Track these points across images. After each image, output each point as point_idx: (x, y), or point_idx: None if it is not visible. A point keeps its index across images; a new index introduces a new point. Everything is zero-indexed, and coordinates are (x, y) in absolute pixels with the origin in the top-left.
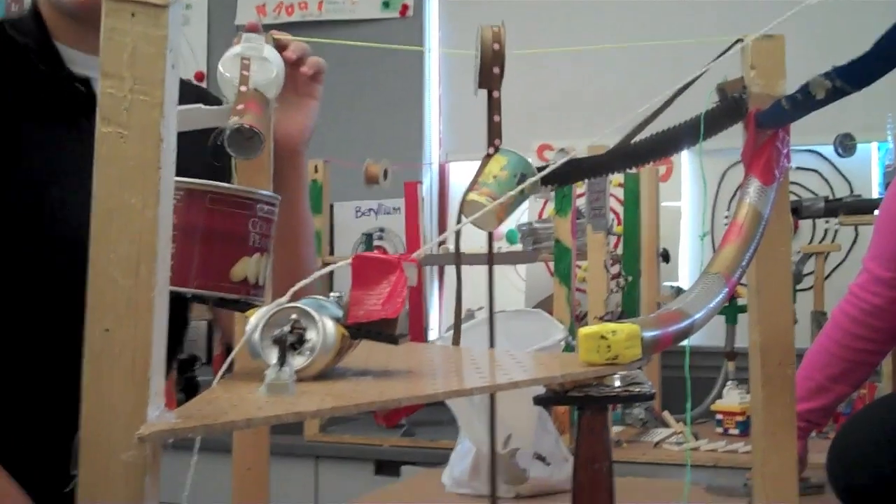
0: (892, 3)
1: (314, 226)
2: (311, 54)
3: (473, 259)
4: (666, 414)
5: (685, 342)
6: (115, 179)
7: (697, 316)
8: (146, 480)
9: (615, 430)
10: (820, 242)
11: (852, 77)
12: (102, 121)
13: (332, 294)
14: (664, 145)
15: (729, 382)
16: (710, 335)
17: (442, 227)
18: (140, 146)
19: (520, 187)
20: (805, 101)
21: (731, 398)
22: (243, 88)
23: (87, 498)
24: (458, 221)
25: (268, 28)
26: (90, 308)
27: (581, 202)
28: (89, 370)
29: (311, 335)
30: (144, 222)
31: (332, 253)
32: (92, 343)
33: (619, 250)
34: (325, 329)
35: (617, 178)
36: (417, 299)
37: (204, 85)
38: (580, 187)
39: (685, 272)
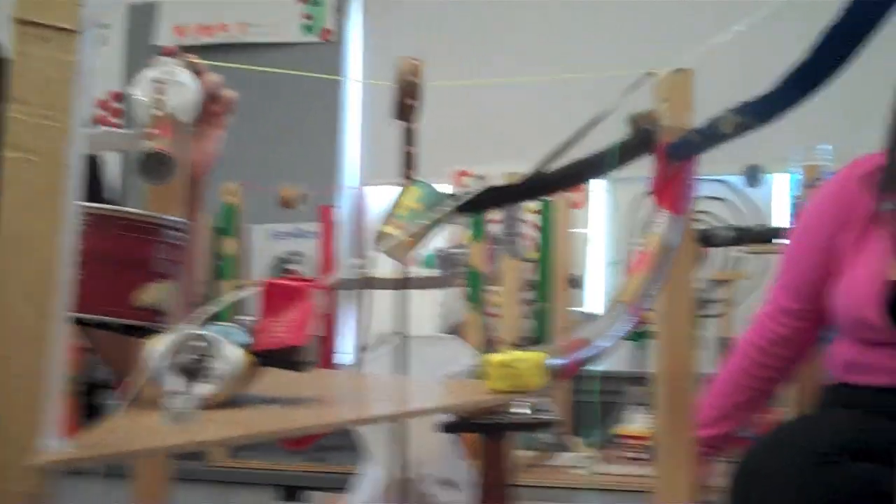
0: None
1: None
2: (224, 87)
3: (387, 284)
4: (574, 438)
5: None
6: (20, 205)
7: (603, 344)
8: None
9: (522, 454)
10: (728, 270)
11: (757, 113)
12: (10, 146)
13: (243, 317)
14: (577, 175)
15: (634, 406)
16: (616, 359)
17: (358, 251)
18: (47, 172)
19: (435, 219)
20: (712, 135)
21: (636, 422)
22: (157, 113)
23: None
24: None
25: (188, 50)
26: None
27: (496, 228)
28: None
29: (216, 362)
30: (49, 249)
31: (246, 276)
32: None
33: (534, 275)
34: (230, 356)
35: (532, 204)
36: (330, 323)
37: (120, 105)
38: (495, 213)
39: (593, 298)
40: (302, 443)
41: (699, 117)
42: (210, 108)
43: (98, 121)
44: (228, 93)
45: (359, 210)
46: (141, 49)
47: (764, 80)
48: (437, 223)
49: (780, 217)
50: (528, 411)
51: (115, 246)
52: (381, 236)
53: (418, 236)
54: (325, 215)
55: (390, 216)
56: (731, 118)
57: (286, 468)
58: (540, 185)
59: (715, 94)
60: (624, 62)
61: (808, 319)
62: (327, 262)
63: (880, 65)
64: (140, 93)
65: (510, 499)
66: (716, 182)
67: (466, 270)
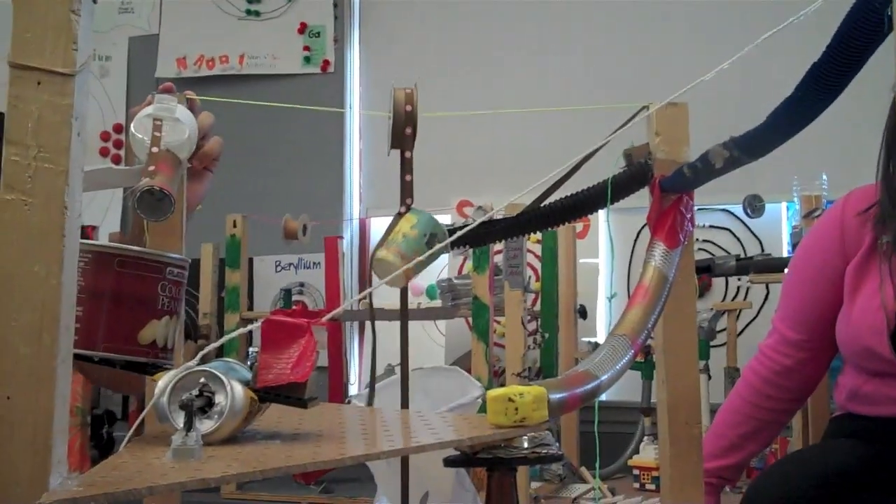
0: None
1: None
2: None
3: (392, 315)
4: (583, 469)
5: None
6: (17, 246)
7: (604, 377)
8: None
9: (533, 485)
10: (732, 300)
11: (748, 147)
12: (6, 188)
13: (251, 349)
14: (574, 208)
15: (646, 438)
16: (627, 391)
17: (362, 282)
18: (44, 214)
19: (430, 251)
20: (705, 170)
21: (648, 453)
22: (155, 150)
23: None
24: (371, 278)
25: (188, 81)
26: None
27: (499, 258)
28: None
29: (219, 399)
30: (48, 290)
31: (250, 308)
32: None
33: (538, 306)
34: (233, 393)
35: (535, 234)
36: (337, 355)
37: (122, 137)
38: (498, 244)
39: (602, 328)
40: (311, 476)
41: (694, 150)
42: (200, 151)
43: (101, 153)
44: (217, 138)
45: (363, 240)
46: (143, 80)
47: (758, 111)
48: (432, 253)
49: (782, 245)
50: (529, 445)
51: (118, 283)
52: (377, 262)
53: (414, 262)
54: (329, 246)
55: (386, 242)
56: (723, 153)
57: (297, 500)
58: (537, 219)
59: (709, 126)
60: (621, 96)
61: (812, 350)
62: (333, 293)
63: (876, 95)
64: (138, 130)
65: None
66: (718, 211)
67: (471, 301)
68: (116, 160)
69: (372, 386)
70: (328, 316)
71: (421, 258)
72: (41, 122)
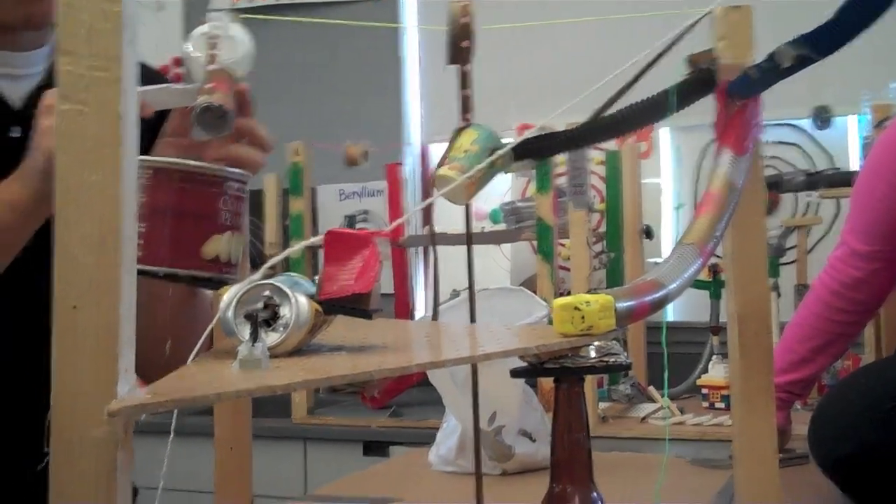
0: None
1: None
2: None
3: (456, 239)
4: (651, 389)
5: (661, 316)
6: (74, 157)
7: (672, 286)
8: (118, 457)
9: (602, 405)
10: (802, 216)
11: (817, 45)
12: (61, 98)
13: (316, 277)
14: (635, 118)
15: (714, 357)
16: (695, 311)
17: (426, 209)
18: (99, 123)
19: (489, 159)
20: (772, 71)
21: (717, 372)
22: (211, 67)
23: (58, 475)
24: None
25: (242, 12)
26: (56, 286)
27: (562, 180)
28: (58, 347)
29: (284, 311)
30: (107, 199)
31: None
32: (59, 321)
33: (602, 228)
34: (298, 305)
35: (598, 155)
36: (403, 280)
37: (180, 70)
38: (561, 165)
39: (668, 248)
40: (380, 400)
41: (759, 54)
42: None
43: None
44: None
45: (424, 167)
46: (198, 12)
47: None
48: (495, 166)
49: (852, 159)
50: (596, 355)
51: (180, 199)
52: (439, 179)
53: (477, 178)
54: (391, 173)
55: (448, 159)
56: (790, 52)
57: (366, 423)
58: (599, 129)
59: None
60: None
61: (882, 261)
62: (396, 220)
63: None
64: (194, 49)
65: (586, 447)
66: (785, 126)
67: (535, 223)
68: None
69: (435, 304)
70: (392, 225)
71: (481, 166)
72: (92, 30)
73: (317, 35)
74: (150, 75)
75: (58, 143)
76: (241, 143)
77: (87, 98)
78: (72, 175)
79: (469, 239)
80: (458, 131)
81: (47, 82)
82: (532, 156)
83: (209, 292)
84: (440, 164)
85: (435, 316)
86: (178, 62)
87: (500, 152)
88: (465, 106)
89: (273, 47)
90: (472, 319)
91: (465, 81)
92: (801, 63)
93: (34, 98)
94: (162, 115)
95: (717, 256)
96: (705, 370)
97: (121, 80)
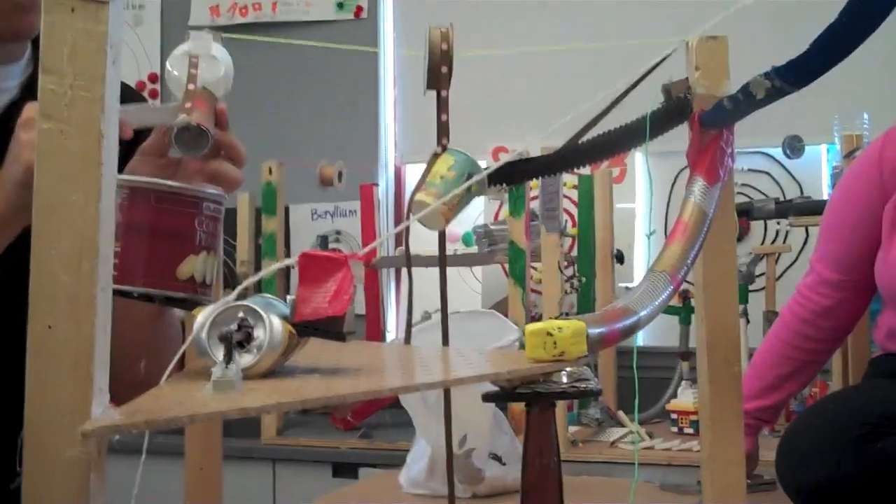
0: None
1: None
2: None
3: (429, 261)
4: (621, 414)
5: (632, 341)
6: (55, 175)
7: (643, 313)
8: (91, 477)
9: (571, 429)
10: (772, 243)
11: (791, 76)
12: (43, 117)
13: (288, 297)
14: (610, 145)
15: (683, 382)
16: (665, 336)
17: (401, 231)
18: (81, 142)
19: (465, 185)
20: (746, 101)
21: (686, 397)
22: (191, 87)
23: (31, 494)
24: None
25: (222, 29)
26: (32, 304)
27: (535, 205)
28: (32, 366)
29: (258, 333)
30: (86, 219)
31: (287, 256)
32: (35, 339)
33: (575, 252)
34: (271, 327)
35: (571, 179)
36: (375, 301)
37: (157, 87)
38: (534, 189)
39: (640, 273)
40: (351, 422)
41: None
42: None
43: None
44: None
45: (398, 188)
46: (177, 29)
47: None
48: (471, 192)
49: (821, 188)
50: (568, 380)
51: (156, 219)
52: (415, 204)
53: (453, 204)
54: (365, 193)
55: (425, 184)
56: (763, 83)
57: (336, 445)
58: (572, 156)
59: (749, 60)
60: (658, 30)
61: (850, 290)
62: (369, 240)
63: None
64: (174, 68)
65: (556, 472)
66: (757, 154)
67: (507, 246)
68: None
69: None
70: (367, 249)
71: (457, 192)
72: (76, 49)
73: (293, 53)
74: (127, 92)
75: (38, 162)
76: (220, 159)
77: (69, 117)
78: (52, 193)
79: (443, 262)
80: (435, 157)
81: (22, 97)
82: (508, 181)
83: (178, 310)
84: (416, 190)
85: (407, 339)
86: (154, 78)
87: (475, 178)
88: (442, 130)
89: (249, 65)
90: (445, 342)
91: (442, 106)
92: (775, 94)
93: (8, 113)
94: (137, 133)
95: (688, 283)
96: (674, 395)
97: (103, 100)
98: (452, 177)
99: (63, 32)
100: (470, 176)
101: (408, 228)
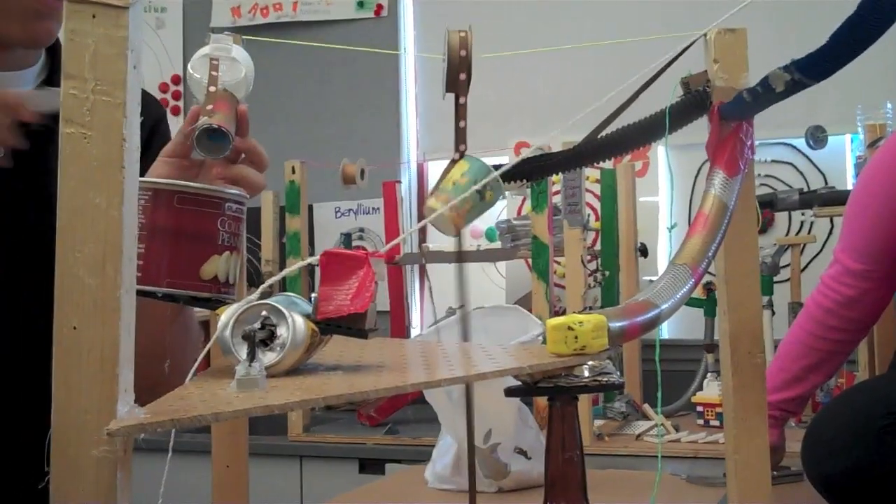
0: None
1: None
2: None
3: (452, 257)
4: (646, 407)
5: (656, 334)
6: (78, 179)
7: (664, 306)
8: (118, 476)
9: (597, 423)
10: (796, 234)
11: (810, 70)
12: (65, 122)
13: (312, 295)
14: (630, 139)
15: (709, 375)
16: (690, 329)
17: (422, 229)
18: (103, 146)
19: (473, 188)
20: (765, 94)
21: (711, 390)
22: (212, 89)
23: (59, 494)
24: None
25: (243, 30)
26: (57, 306)
27: (558, 199)
28: (58, 367)
29: (281, 331)
30: (109, 221)
31: (311, 254)
32: (60, 341)
33: (598, 246)
34: (294, 325)
35: (593, 174)
36: (399, 298)
37: (180, 88)
38: (556, 183)
39: (664, 266)
40: (376, 418)
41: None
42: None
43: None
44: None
45: (420, 185)
46: (198, 31)
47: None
48: (485, 200)
49: (845, 178)
50: (590, 374)
51: (179, 220)
52: (427, 209)
53: (465, 211)
54: (388, 191)
55: (437, 190)
56: (783, 76)
57: (362, 441)
58: (594, 150)
59: (768, 52)
60: (676, 24)
61: (875, 280)
62: (392, 238)
63: None
64: (195, 70)
65: (580, 465)
66: (780, 145)
67: (530, 241)
68: (176, 112)
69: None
70: (388, 246)
71: (464, 196)
72: (97, 55)
73: (314, 53)
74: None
75: (61, 166)
76: (242, 163)
77: (91, 122)
78: (75, 197)
79: (460, 258)
80: (452, 163)
81: None
82: (528, 177)
83: (197, 310)
84: (430, 195)
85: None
86: (177, 80)
87: (480, 183)
88: (460, 137)
89: (270, 65)
90: (466, 339)
91: (460, 113)
92: (795, 87)
93: None
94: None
95: (712, 274)
96: (700, 388)
97: (125, 105)
98: (464, 183)
99: (84, 38)
100: (484, 183)
101: (426, 226)
